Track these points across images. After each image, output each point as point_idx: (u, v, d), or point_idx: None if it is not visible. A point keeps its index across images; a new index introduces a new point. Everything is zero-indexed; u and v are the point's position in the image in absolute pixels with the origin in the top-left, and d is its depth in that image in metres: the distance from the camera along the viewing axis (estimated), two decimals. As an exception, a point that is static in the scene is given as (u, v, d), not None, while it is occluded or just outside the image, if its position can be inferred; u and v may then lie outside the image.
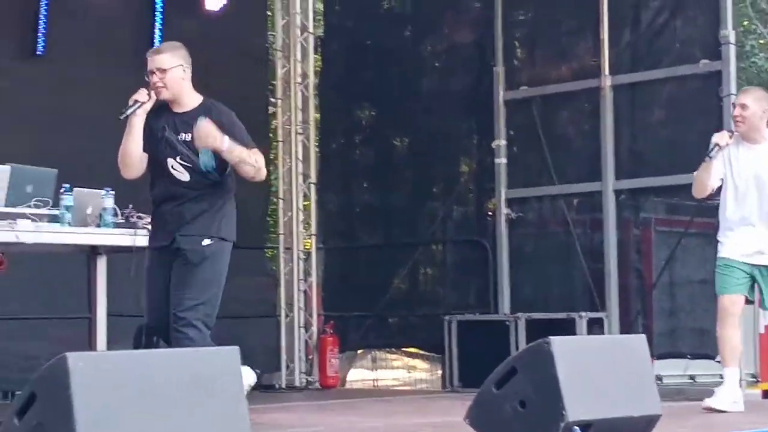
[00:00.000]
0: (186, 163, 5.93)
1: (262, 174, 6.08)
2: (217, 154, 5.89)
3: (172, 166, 5.95)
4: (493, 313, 10.58)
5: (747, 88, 7.82)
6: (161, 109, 6.06)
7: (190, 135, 5.92)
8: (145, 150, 5.97)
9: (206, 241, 5.94)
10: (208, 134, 5.78)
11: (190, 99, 6.08)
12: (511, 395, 4.78)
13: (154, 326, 6.13)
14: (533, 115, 10.59)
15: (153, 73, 5.97)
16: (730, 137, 7.23)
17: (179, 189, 5.95)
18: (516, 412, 4.75)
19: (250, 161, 5.94)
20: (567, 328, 9.47)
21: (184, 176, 5.95)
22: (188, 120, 5.95)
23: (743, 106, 7.25)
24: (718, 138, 7.18)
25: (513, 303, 10.53)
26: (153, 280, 6.06)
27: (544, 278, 10.53)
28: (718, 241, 7.38)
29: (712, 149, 7.14)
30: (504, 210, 10.70)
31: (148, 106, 5.91)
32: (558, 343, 4.75)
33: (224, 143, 5.81)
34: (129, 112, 5.87)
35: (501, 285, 10.65)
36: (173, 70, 5.99)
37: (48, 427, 3.51)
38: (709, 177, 7.21)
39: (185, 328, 5.89)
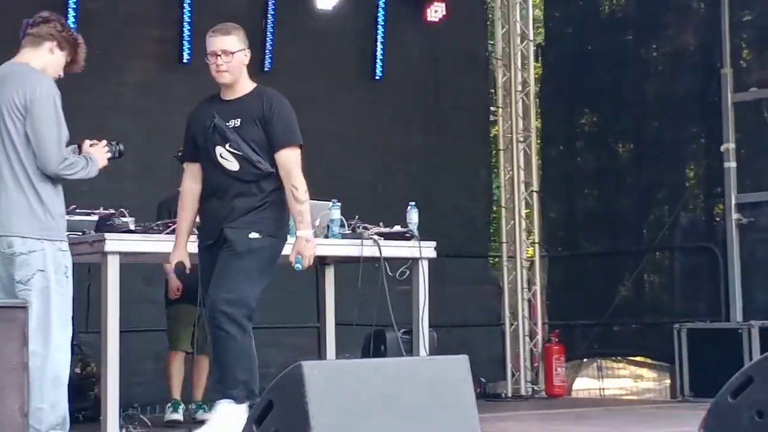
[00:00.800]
0: (235, 151, 5.69)
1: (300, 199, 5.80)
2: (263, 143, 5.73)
3: (220, 155, 5.70)
4: (725, 320, 10.30)
5: None
6: (210, 98, 5.90)
7: (239, 120, 5.72)
8: (196, 141, 5.84)
9: (254, 235, 5.65)
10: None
11: (243, 85, 5.88)
12: (748, 405, 4.62)
13: None
14: (763, 117, 10.28)
15: (217, 55, 5.73)
16: None
17: (228, 180, 5.68)
18: (754, 422, 4.59)
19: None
20: (803, 335, 9.15)
21: (233, 165, 5.69)
22: (239, 107, 5.78)
23: None
24: None
25: (745, 310, 10.23)
26: (207, 282, 5.75)
27: (778, 284, 10.21)
28: None
29: None
30: (734, 215, 10.42)
31: None
32: (797, 351, 4.58)
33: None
34: None
35: (732, 292, 10.36)
36: (238, 54, 5.79)
37: (285, 433, 3.58)
38: None
39: (228, 325, 5.56)
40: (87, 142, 5.44)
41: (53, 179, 5.16)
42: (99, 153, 5.39)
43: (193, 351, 7.84)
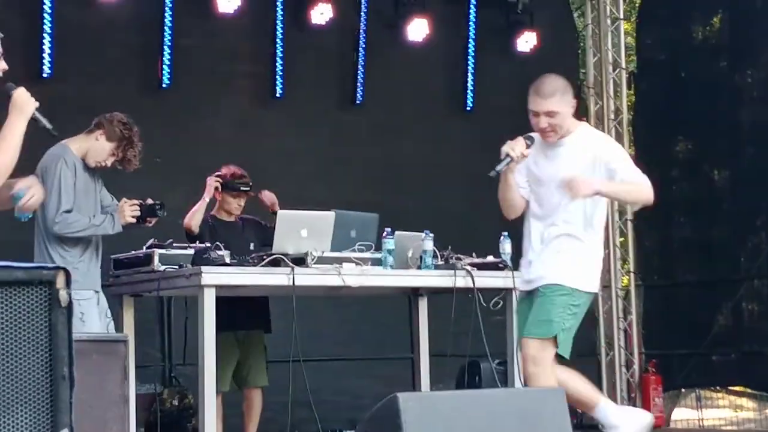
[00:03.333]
0: None
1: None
2: None
3: None
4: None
5: (541, 83, 5.89)
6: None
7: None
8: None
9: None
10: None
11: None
12: None
13: None
14: None
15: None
16: (528, 146, 5.75)
17: None
18: None
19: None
20: None
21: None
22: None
23: (550, 114, 5.72)
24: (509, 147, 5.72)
25: None
26: None
27: None
28: None
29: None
30: (833, 242, 10.24)
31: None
32: None
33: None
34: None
35: (833, 320, 10.17)
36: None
37: (381, 465, 3.59)
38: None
39: None
40: (123, 200, 6.43)
41: (59, 237, 6.20)
42: (124, 211, 6.36)
43: (241, 385, 7.71)
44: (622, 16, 12.20)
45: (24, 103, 4.17)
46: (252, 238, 7.44)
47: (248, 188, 7.71)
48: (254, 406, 7.80)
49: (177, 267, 6.41)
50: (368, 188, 10.05)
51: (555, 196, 5.74)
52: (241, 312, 7.34)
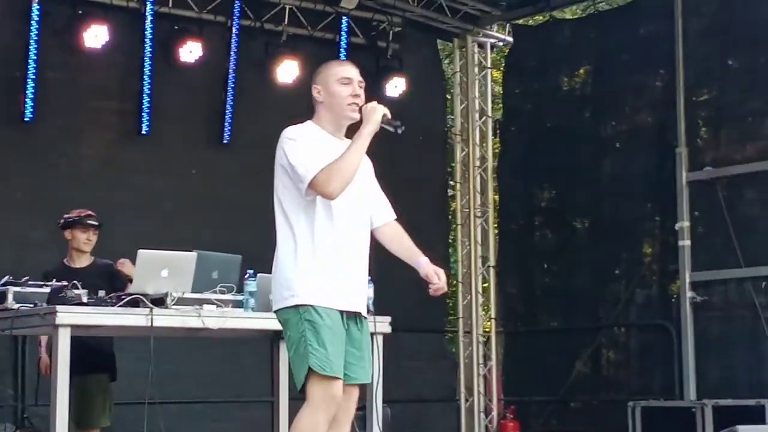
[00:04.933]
0: None
1: None
2: None
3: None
4: (679, 398, 10.31)
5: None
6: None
7: None
8: None
9: None
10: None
11: None
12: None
13: None
14: (718, 197, 10.37)
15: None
16: None
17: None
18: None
19: None
20: (756, 415, 9.15)
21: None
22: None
23: (361, 85, 4.90)
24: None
25: (699, 389, 10.25)
26: None
27: (731, 363, 10.23)
28: None
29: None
30: (689, 293, 10.47)
31: None
32: (747, 433, 4.60)
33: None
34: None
35: (686, 370, 10.38)
36: None
37: None
38: None
39: None
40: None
41: None
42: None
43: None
44: (489, 65, 12.40)
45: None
46: (103, 284, 7.21)
47: (96, 223, 7.54)
48: None
49: (32, 305, 6.26)
50: (232, 229, 9.97)
51: (359, 207, 4.90)
52: (81, 356, 7.21)
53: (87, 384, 7.47)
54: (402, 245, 5.10)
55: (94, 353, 7.34)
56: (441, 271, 4.98)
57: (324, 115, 4.92)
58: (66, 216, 7.52)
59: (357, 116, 4.85)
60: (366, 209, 4.96)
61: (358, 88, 4.88)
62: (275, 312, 4.76)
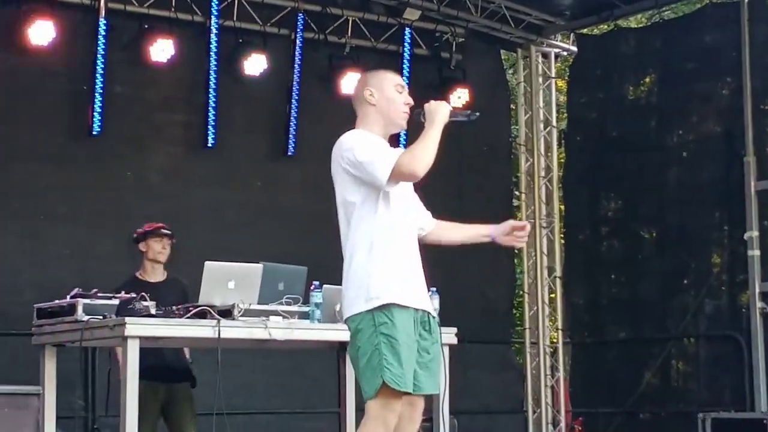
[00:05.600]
0: None
1: None
2: None
3: None
4: (750, 410, 10.18)
5: None
6: None
7: None
8: None
9: None
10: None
11: None
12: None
13: None
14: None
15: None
16: None
17: None
18: None
19: None
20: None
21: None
22: None
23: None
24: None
25: (770, 400, 10.12)
26: None
27: (803, 374, 10.10)
28: None
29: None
30: (758, 303, 10.33)
31: None
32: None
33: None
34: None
35: (757, 381, 10.24)
36: None
37: None
38: None
39: None
40: None
41: None
42: None
43: None
44: (554, 75, 12.34)
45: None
46: (176, 298, 7.28)
47: (170, 232, 7.64)
48: None
49: (101, 317, 6.31)
50: (298, 241, 10.00)
51: (411, 215, 4.95)
52: (165, 365, 7.28)
53: (176, 392, 7.60)
54: (463, 229, 5.22)
55: (176, 362, 7.45)
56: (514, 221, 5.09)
57: (375, 119, 4.87)
58: (138, 230, 7.62)
59: (405, 126, 4.87)
60: (414, 218, 4.98)
61: (409, 97, 4.87)
62: (348, 318, 4.71)
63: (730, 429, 9.84)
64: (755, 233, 10.44)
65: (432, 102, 4.80)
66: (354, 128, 4.90)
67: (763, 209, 10.47)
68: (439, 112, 4.74)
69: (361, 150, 4.71)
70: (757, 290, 10.36)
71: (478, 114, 4.90)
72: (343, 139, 4.82)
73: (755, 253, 10.42)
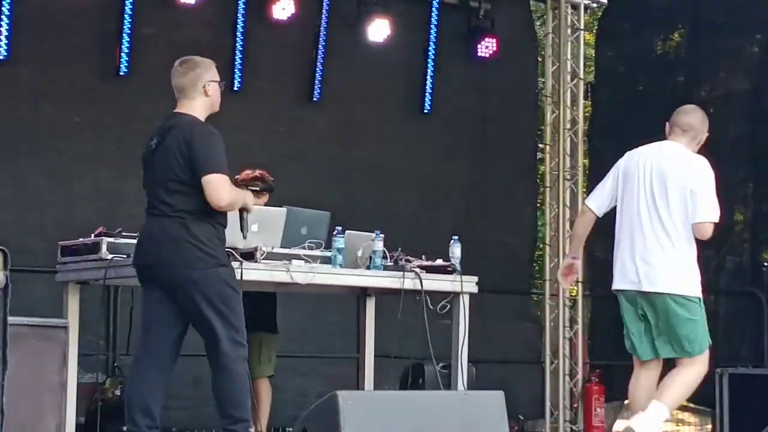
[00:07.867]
0: None
1: None
2: None
3: None
4: (767, 366, 10.20)
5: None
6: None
7: None
8: None
9: None
10: None
11: None
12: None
13: None
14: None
15: None
16: None
17: None
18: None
19: None
20: None
21: None
22: None
23: None
24: None
25: (789, 357, 10.13)
26: None
27: (821, 332, 10.09)
28: None
29: None
30: (780, 261, 10.34)
31: None
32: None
33: None
34: None
35: (776, 338, 10.26)
36: None
37: (318, 462, 3.59)
38: None
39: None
40: None
41: None
42: None
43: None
44: (582, 27, 12.26)
45: None
46: None
47: (258, 188, 7.56)
48: (262, 398, 7.59)
49: (125, 256, 6.37)
50: (321, 186, 10.04)
51: None
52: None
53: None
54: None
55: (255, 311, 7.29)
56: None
57: None
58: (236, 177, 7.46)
59: None
60: None
61: None
62: (666, 294, 6.71)
63: (748, 384, 9.87)
64: (780, 191, 10.42)
65: None
66: None
67: (789, 167, 10.45)
68: None
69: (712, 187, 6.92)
70: (780, 248, 10.36)
71: None
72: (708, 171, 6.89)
73: (778, 210, 10.41)
